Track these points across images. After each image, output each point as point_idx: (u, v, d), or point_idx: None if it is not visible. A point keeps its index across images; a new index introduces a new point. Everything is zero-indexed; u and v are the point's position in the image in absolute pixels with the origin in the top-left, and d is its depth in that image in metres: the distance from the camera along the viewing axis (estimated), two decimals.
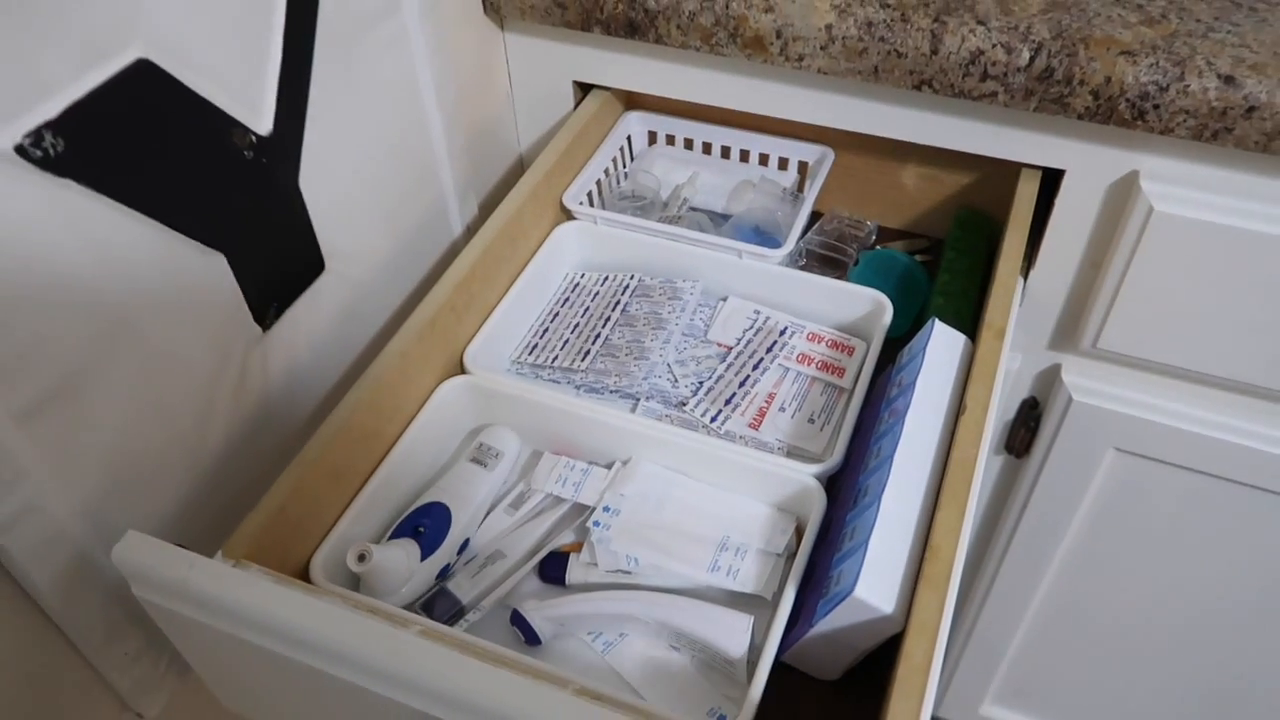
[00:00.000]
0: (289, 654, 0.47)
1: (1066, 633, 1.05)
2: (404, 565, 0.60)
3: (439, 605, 0.61)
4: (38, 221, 0.43)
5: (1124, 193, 0.70)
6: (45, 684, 0.54)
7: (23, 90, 0.41)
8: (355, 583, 0.59)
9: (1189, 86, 0.62)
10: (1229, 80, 0.61)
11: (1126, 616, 0.99)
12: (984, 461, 0.59)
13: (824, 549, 0.59)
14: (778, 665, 0.54)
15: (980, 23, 0.66)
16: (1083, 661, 1.07)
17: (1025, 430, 0.88)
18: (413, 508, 0.64)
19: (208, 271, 0.54)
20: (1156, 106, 0.63)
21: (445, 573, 0.63)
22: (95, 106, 0.44)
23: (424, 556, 0.61)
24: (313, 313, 0.64)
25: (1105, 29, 0.65)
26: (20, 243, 0.43)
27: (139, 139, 0.47)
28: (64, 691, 0.56)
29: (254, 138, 0.55)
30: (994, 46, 0.65)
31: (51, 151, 0.43)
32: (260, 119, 0.55)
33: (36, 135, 0.42)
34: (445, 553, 0.62)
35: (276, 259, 0.59)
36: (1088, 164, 0.71)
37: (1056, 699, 1.13)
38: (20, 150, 0.42)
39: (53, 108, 0.43)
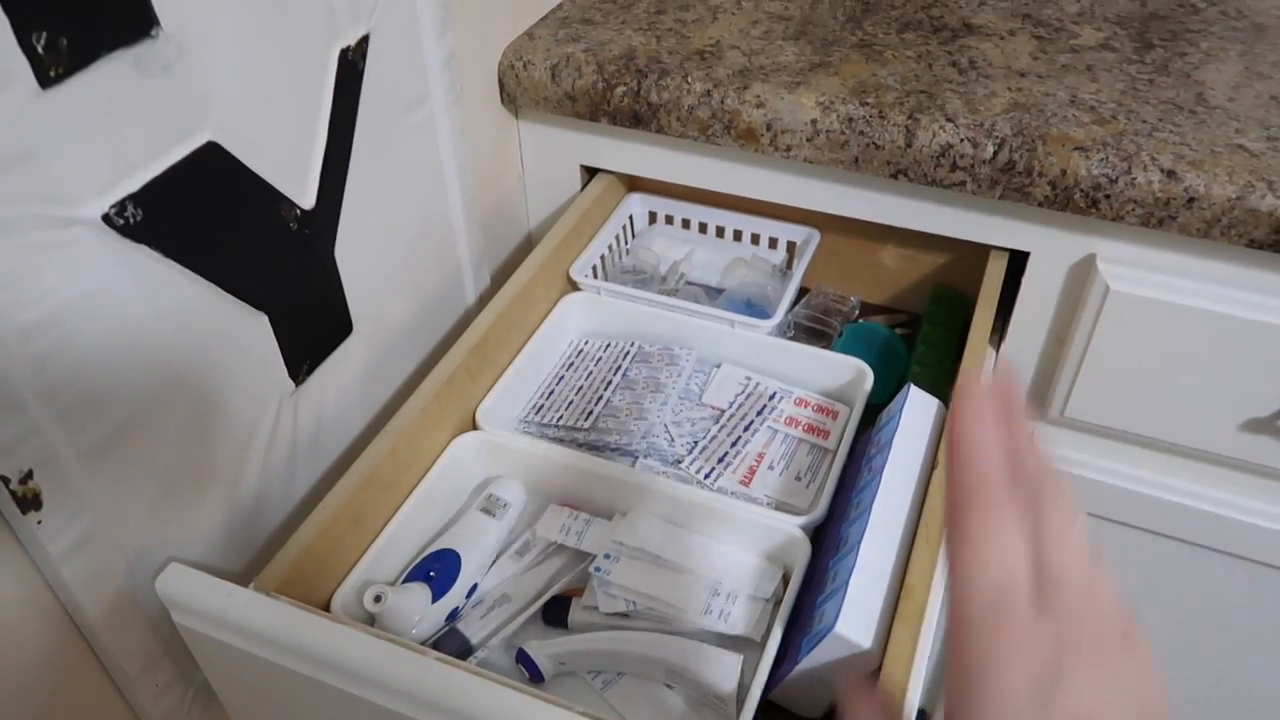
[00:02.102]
0: (318, 677, 0.51)
1: None
2: (416, 607, 0.64)
3: (448, 644, 0.65)
4: (115, 281, 0.49)
5: (1083, 273, 0.77)
6: (76, 715, 0.58)
7: (113, 167, 0.47)
8: (371, 622, 0.63)
9: (1136, 179, 0.69)
10: (1171, 174, 0.68)
11: None
12: None
13: (809, 594, 0.63)
14: (765, 703, 0.59)
15: (949, 120, 0.73)
16: None
17: None
18: (426, 553, 0.68)
19: (252, 330, 0.60)
20: (1108, 196, 0.70)
21: (454, 615, 0.67)
22: (170, 182, 0.50)
23: (435, 599, 0.65)
24: (340, 370, 0.69)
25: (1061, 127, 0.72)
26: (98, 299, 0.49)
27: (204, 211, 0.53)
28: None
29: (299, 211, 0.61)
30: (962, 141, 0.73)
31: (132, 220, 0.49)
32: (305, 195, 0.61)
33: (121, 206, 0.48)
34: (454, 596, 0.67)
35: (311, 321, 0.65)
36: (1050, 247, 0.77)
37: None
38: (106, 219, 0.48)
39: (135, 182, 0.49)
